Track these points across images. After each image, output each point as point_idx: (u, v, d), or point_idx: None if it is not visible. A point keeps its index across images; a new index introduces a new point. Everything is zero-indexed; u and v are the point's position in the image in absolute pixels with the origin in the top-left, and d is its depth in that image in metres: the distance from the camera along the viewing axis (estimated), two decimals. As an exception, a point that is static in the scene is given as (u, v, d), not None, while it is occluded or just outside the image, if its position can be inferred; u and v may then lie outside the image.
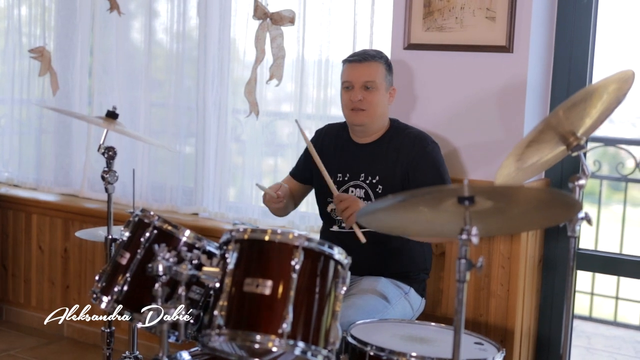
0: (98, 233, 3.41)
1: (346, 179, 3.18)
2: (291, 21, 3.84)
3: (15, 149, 5.11)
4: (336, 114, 3.79)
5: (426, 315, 3.38)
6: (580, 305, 5.50)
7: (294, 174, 3.45)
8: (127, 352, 3.13)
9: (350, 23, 3.81)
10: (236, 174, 4.35)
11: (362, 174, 3.15)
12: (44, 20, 4.85)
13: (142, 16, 4.53)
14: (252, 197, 4.24)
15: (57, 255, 4.63)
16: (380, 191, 3.10)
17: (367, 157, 3.16)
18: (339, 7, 3.87)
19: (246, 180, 4.26)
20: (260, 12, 3.86)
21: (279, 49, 3.87)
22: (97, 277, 2.66)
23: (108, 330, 3.15)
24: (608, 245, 5.29)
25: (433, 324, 2.88)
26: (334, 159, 3.23)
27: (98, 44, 4.67)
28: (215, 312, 2.30)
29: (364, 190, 3.13)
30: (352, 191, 3.15)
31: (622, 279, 5.22)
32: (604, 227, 5.34)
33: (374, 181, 3.12)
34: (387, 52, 3.58)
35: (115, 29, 4.56)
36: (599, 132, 5.10)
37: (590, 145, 4.94)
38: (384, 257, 3.04)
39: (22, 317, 4.79)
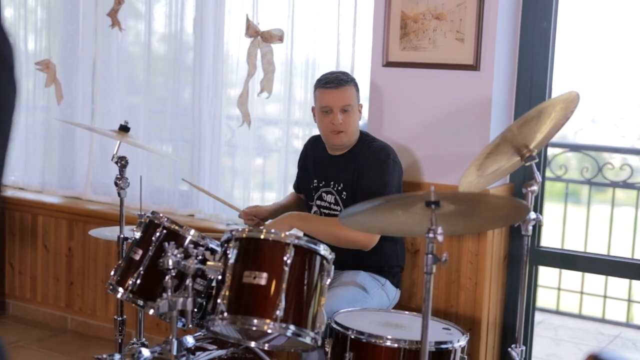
0: (105, 233, 3.75)
1: (321, 185, 3.55)
2: (280, 39, 4.18)
3: (20, 154, 5.33)
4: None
5: (402, 306, 3.69)
6: (548, 299, 5.77)
7: (297, 188, 3.82)
8: (134, 339, 3.47)
9: (334, 42, 4.14)
10: (228, 178, 4.69)
11: (332, 182, 3.51)
12: (49, 33, 5.12)
13: (141, 31, 4.83)
14: (242, 200, 4.58)
15: (62, 254, 4.92)
16: (344, 197, 3.46)
17: (337, 167, 3.50)
18: (324, 27, 4.18)
19: (237, 183, 4.60)
20: (251, 31, 4.20)
21: (269, 64, 4.21)
22: (112, 272, 3.01)
23: (120, 318, 3.49)
24: (597, 246, 5.49)
25: (407, 312, 3.22)
26: (313, 167, 3.62)
27: (100, 57, 4.96)
28: (219, 300, 2.65)
29: (333, 197, 3.50)
30: (324, 196, 3.53)
31: (587, 275, 5.48)
32: (577, 226, 5.63)
33: (339, 188, 3.48)
34: (367, 69, 3.95)
35: (116, 43, 4.86)
36: (578, 137, 5.43)
37: (560, 149, 5.30)
38: (361, 253, 3.38)
39: (28, 311, 5.07)
